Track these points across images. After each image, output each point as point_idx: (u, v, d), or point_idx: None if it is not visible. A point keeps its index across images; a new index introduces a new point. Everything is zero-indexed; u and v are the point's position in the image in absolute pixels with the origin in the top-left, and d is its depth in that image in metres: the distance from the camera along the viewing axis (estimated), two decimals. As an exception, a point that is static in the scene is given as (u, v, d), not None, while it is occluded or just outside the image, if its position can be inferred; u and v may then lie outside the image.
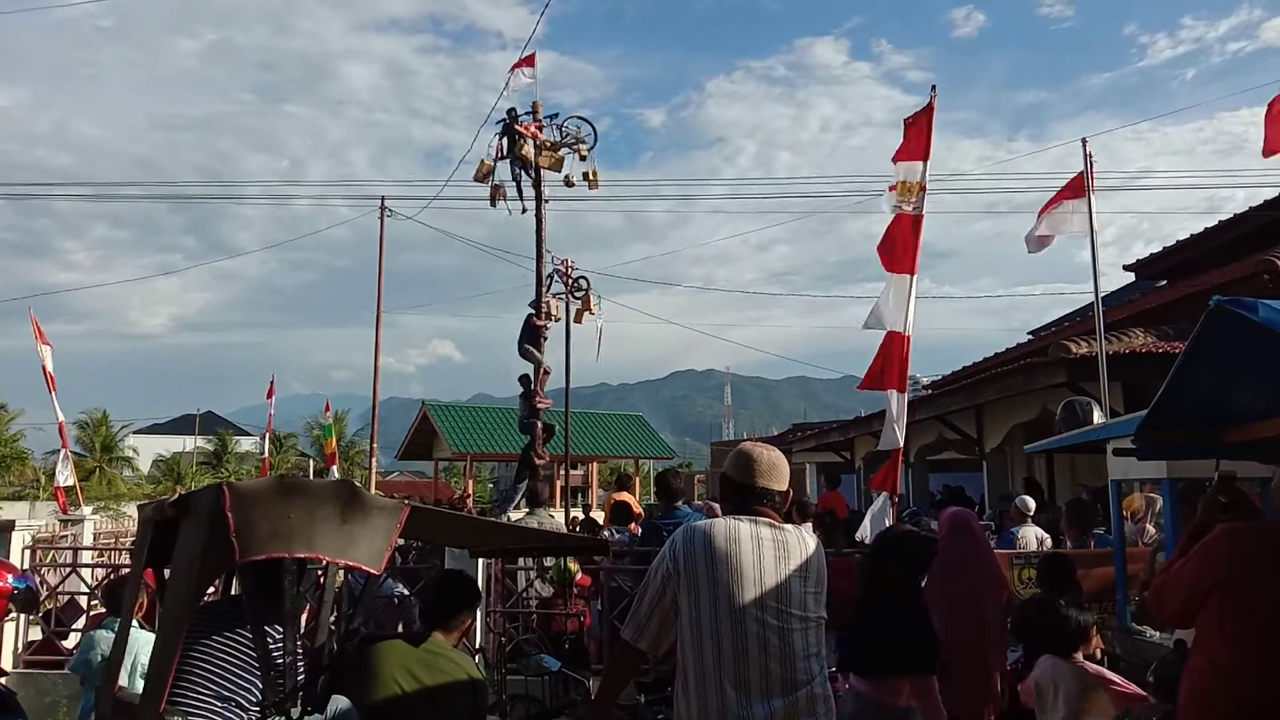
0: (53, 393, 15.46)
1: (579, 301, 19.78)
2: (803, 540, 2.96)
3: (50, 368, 15.51)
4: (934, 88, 7.47)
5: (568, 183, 14.40)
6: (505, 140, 13.67)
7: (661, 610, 2.89)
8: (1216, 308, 2.65)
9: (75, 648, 6.21)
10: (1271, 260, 12.03)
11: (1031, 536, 8.38)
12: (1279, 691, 2.99)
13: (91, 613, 7.56)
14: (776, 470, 3.03)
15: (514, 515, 11.97)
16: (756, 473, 3.00)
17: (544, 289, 14.25)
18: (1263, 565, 3.08)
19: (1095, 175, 9.43)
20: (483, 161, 13.82)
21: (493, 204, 13.96)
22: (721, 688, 2.74)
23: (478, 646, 7.13)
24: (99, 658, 5.14)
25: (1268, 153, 11.13)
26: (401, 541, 6.49)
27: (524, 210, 14.06)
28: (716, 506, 7.09)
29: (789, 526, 2.98)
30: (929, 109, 7.40)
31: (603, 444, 35.90)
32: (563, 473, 25.15)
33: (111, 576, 6.86)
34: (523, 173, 13.81)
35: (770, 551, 2.87)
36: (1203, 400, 3.49)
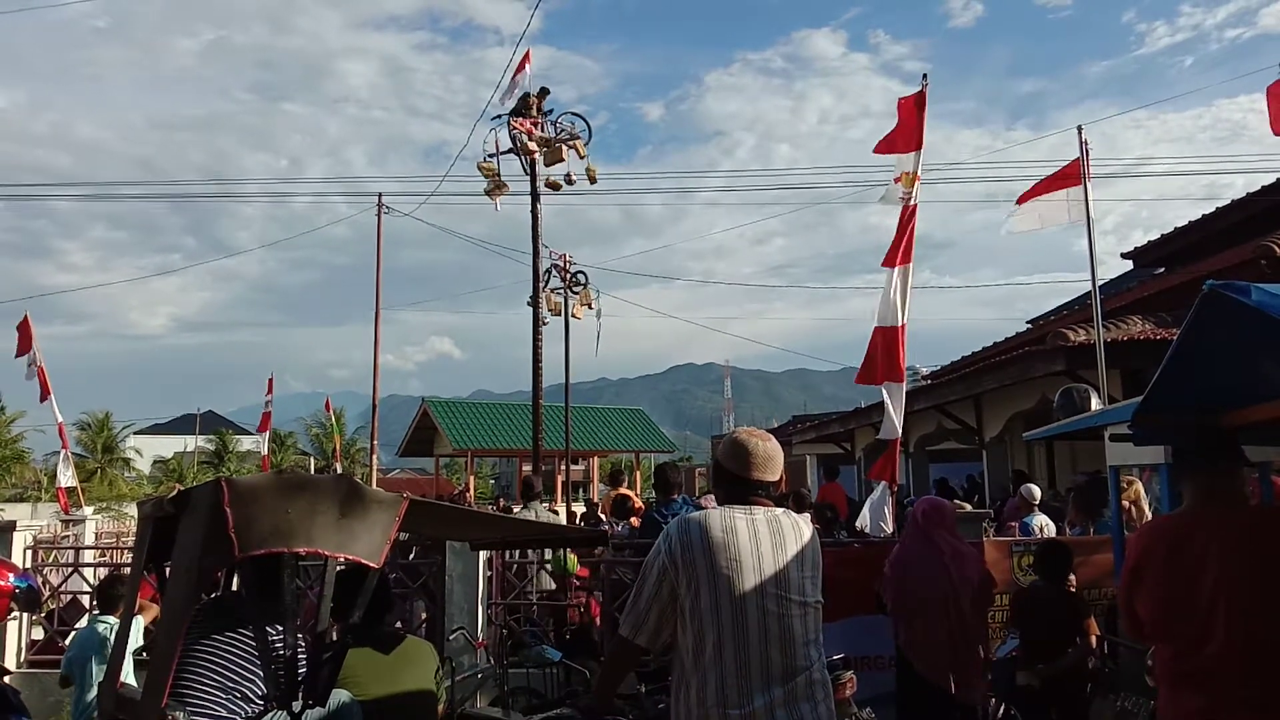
0: (49, 395, 15.40)
1: (576, 296, 19.77)
2: (796, 525, 2.96)
3: (43, 368, 15.37)
4: (925, 76, 7.46)
5: (568, 180, 14.45)
6: (506, 133, 13.74)
7: (660, 604, 2.86)
8: (1210, 292, 2.64)
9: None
10: (1270, 246, 12.03)
11: (1043, 524, 8.59)
12: (1189, 661, 3.06)
13: (94, 612, 7.59)
14: (771, 462, 3.01)
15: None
16: (753, 466, 2.98)
17: (541, 284, 14.29)
18: (1162, 548, 3.21)
19: (1094, 163, 9.40)
20: (483, 164, 13.91)
21: (491, 196, 14.06)
22: (722, 678, 2.74)
23: (480, 639, 7.15)
24: (83, 656, 5.19)
25: (1277, 130, 11.09)
26: (403, 536, 6.52)
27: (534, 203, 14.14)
28: (706, 501, 7.17)
29: (780, 511, 2.98)
30: (920, 96, 7.39)
31: (603, 438, 35.91)
32: (564, 468, 25.17)
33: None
34: (524, 164, 13.90)
35: (767, 538, 2.87)
36: (1199, 385, 3.48)
